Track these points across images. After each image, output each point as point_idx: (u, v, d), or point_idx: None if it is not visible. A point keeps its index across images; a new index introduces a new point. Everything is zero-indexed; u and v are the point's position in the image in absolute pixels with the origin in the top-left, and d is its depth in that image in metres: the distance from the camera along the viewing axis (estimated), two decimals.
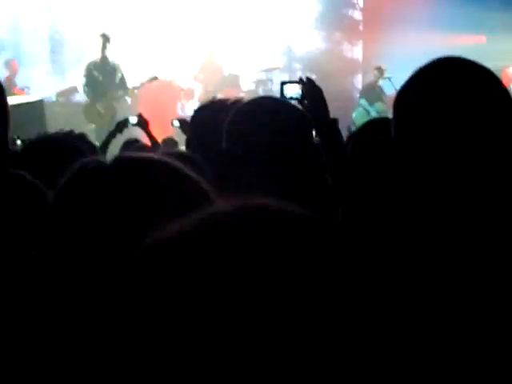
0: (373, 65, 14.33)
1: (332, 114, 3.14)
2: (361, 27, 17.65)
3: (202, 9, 15.34)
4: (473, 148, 1.86)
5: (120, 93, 12.07)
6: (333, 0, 16.69)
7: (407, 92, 2.12)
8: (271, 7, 16.51)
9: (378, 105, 13.23)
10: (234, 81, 14.98)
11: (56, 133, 3.61)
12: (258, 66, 15.56)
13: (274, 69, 14.95)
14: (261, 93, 14.97)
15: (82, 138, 3.71)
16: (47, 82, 14.10)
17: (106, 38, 11.96)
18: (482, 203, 1.85)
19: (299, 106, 3.10)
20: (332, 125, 3.03)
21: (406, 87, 2.13)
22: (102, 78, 11.91)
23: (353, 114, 13.47)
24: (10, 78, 13.27)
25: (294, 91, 3.34)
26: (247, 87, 15.27)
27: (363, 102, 13.46)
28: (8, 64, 13.41)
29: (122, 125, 6.50)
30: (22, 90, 13.15)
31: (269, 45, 16.09)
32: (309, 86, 3.09)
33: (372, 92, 13.48)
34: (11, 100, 10.42)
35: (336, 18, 16.80)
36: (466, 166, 1.86)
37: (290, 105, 2.81)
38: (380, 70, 13.51)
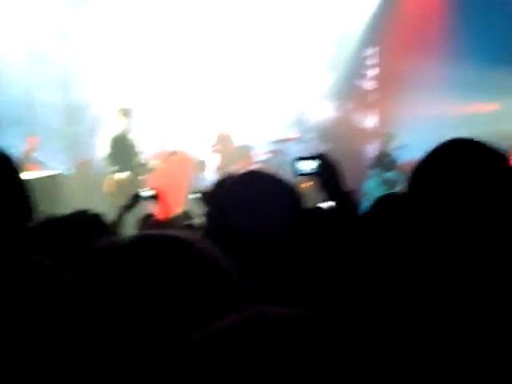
0: (385, 133, 14.36)
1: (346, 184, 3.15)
2: (374, 96, 17.79)
3: (213, 79, 15.55)
4: (475, 221, 2.16)
5: (141, 167, 12.11)
6: (345, 70, 16.84)
7: (423, 171, 2.37)
8: (284, 77, 16.75)
9: (390, 173, 13.19)
10: (246, 152, 15.01)
11: (71, 214, 3.60)
12: (270, 136, 15.66)
13: (288, 140, 14.99)
14: (274, 163, 15.03)
15: (96, 219, 3.72)
16: (63, 155, 14.18)
17: (126, 112, 12.02)
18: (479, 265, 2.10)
19: (315, 182, 3.11)
20: (347, 199, 3.03)
21: (421, 167, 2.38)
22: (124, 151, 11.92)
23: (366, 183, 13.43)
24: (29, 153, 13.38)
25: (308, 167, 3.35)
26: (260, 158, 15.30)
27: (374, 171, 13.42)
28: (28, 140, 13.49)
29: (137, 198, 6.50)
30: (38, 164, 13.24)
31: (282, 115, 16.22)
32: (323, 161, 3.10)
33: (384, 160, 13.45)
34: (28, 175, 10.58)
35: (349, 87, 16.95)
36: (468, 234, 2.15)
37: (279, 181, 2.74)
38: (390, 137, 13.51)
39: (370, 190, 13.03)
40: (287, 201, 2.53)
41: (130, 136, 12.15)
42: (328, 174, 3.08)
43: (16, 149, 13.05)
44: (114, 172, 11.91)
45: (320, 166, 3.11)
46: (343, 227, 3.02)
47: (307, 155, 3.30)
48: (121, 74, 15.34)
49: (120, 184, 11.66)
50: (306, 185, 13.10)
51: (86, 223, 3.32)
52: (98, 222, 3.90)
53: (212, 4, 15.58)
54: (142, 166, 12.16)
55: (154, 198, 6.44)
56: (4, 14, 13.52)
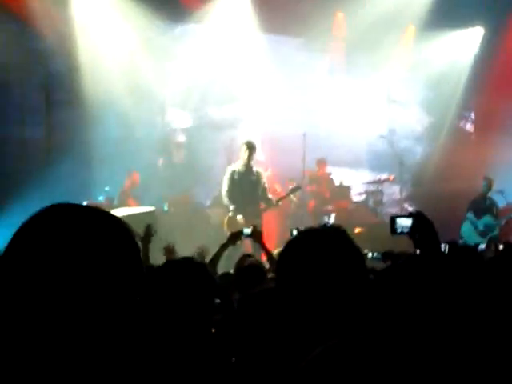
0: (482, 176, 14.08)
1: (442, 224, 3.09)
2: (472, 138, 17.59)
3: (311, 118, 15.63)
4: None
5: (263, 205, 11.62)
6: (443, 112, 16.71)
7: None
8: (381, 119, 16.76)
9: (486, 218, 12.88)
10: (344, 192, 14.97)
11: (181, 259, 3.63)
12: (367, 177, 15.59)
13: (385, 180, 14.88)
14: (370, 204, 14.93)
15: (202, 268, 3.74)
16: (159, 192, 14.41)
17: (252, 147, 11.59)
18: None
19: (410, 239, 3.06)
20: (443, 256, 2.97)
21: None
22: (246, 187, 11.44)
23: (462, 227, 13.17)
24: (129, 189, 13.66)
25: (405, 224, 3.31)
26: (357, 199, 15.24)
27: (470, 215, 13.13)
28: (130, 175, 13.77)
29: (236, 236, 6.50)
30: (137, 199, 13.50)
31: (379, 157, 16.15)
32: (419, 220, 3.05)
33: (481, 204, 13.15)
34: (128, 210, 10.83)
35: (446, 129, 16.79)
36: None
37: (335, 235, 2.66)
38: (489, 182, 13.21)
39: (465, 233, 12.78)
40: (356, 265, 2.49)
41: (255, 171, 11.65)
42: (424, 232, 3.03)
43: (114, 184, 13.45)
44: (236, 211, 11.38)
45: (416, 224, 3.07)
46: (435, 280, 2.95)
47: (404, 213, 3.27)
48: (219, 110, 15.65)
49: (241, 224, 10.95)
50: (359, 230, 13.01)
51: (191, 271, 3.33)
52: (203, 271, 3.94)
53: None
54: (268, 200, 11.61)
55: (254, 236, 6.45)
56: (107, 50, 13.91)
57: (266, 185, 11.76)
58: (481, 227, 12.77)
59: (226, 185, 11.49)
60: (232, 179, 11.43)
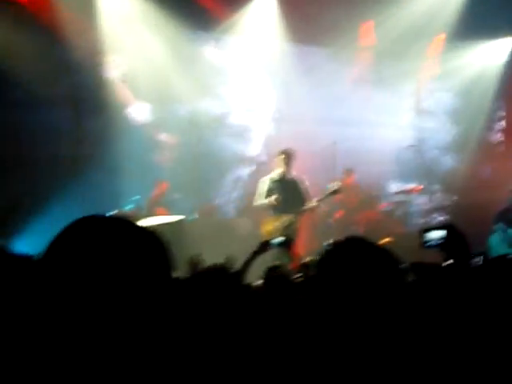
0: (509, 187, 13.96)
1: (470, 236, 3.06)
2: (500, 148, 17.48)
3: (339, 129, 15.60)
4: None
5: (300, 208, 11.45)
6: (472, 122, 16.64)
7: None
8: (409, 128, 16.75)
9: None
10: (372, 202, 14.91)
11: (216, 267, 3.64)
12: (396, 187, 15.52)
13: (413, 190, 14.81)
14: (399, 214, 14.86)
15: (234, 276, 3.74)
16: (188, 201, 14.44)
17: (291, 155, 11.52)
18: None
19: (441, 252, 3.03)
20: (474, 267, 2.95)
21: None
22: (284, 195, 11.31)
23: (490, 238, 13.04)
24: (157, 198, 13.73)
25: (436, 236, 3.27)
26: (385, 209, 15.16)
27: (500, 226, 12.97)
28: (159, 184, 13.84)
29: (267, 245, 6.46)
30: (166, 208, 13.54)
31: (408, 167, 16.09)
32: (451, 232, 3.02)
33: (508, 216, 12.99)
34: (156, 220, 10.85)
35: (474, 139, 16.70)
36: None
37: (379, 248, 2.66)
38: None
39: (494, 245, 12.64)
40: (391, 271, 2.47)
41: (289, 176, 11.55)
42: (456, 244, 3.00)
43: (143, 193, 13.51)
44: (276, 217, 11.31)
45: (448, 237, 3.04)
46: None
47: (435, 225, 3.23)
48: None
49: (279, 229, 11.04)
50: (387, 240, 12.92)
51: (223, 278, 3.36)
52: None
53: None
54: (301, 207, 11.45)
55: (286, 245, 6.40)
56: (136, 61, 13.99)
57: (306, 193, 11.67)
58: (508, 239, 12.63)
59: (264, 193, 11.42)
60: (270, 187, 11.38)
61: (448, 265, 3.61)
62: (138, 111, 14.09)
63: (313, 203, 11.49)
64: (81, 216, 1.71)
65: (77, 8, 12.88)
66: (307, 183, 11.69)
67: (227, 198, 15.47)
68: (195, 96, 14.92)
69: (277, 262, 6.56)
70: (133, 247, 1.65)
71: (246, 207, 14.29)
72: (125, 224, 1.69)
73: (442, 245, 3.06)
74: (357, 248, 2.42)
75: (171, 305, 1.69)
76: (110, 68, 13.75)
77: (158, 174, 14.01)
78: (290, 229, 10.87)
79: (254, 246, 6.39)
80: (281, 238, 6.51)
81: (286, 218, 11.17)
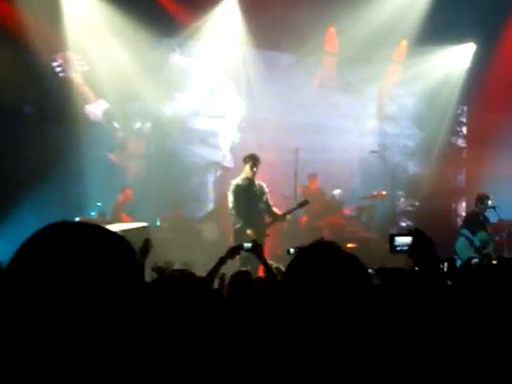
0: (474, 192, 14.08)
1: (435, 241, 3.08)
2: (464, 153, 17.67)
3: (303, 134, 15.64)
4: None
5: (268, 220, 11.33)
6: (436, 127, 16.79)
7: None
8: (373, 134, 16.87)
9: (481, 234, 12.84)
10: (336, 207, 14.97)
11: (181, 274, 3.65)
12: (360, 193, 15.59)
13: (377, 196, 14.89)
14: (363, 220, 14.94)
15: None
16: (152, 208, 14.41)
17: (256, 160, 11.25)
18: None
19: (409, 257, 3.06)
20: (442, 273, 2.97)
21: None
22: (251, 201, 11.17)
23: (456, 244, 13.14)
24: (122, 204, 13.68)
25: (404, 241, 3.31)
26: (349, 214, 15.23)
27: (465, 231, 13.06)
28: (123, 191, 13.82)
29: (235, 250, 6.44)
30: (129, 215, 13.50)
31: (371, 172, 16.19)
32: (419, 238, 3.04)
33: (476, 221, 13.08)
34: (121, 226, 10.77)
35: (440, 144, 16.86)
36: None
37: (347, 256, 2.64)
38: (485, 199, 13.12)
39: (460, 250, 12.75)
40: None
41: (257, 184, 11.37)
42: (424, 250, 3.02)
43: (106, 199, 13.46)
44: (245, 225, 10.97)
45: (416, 242, 3.07)
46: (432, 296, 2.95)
47: (403, 231, 3.27)
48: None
49: (250, 237, 10.26)
50: (352, 246, 13.00)
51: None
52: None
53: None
54: (274, 214, 11.37)
55: (255, 250, 6.39)
56: (99, 66, 13.92)
57: (269, 198, 11.58)
58: (477, 243, 12.72)
59: (231, 198, 11.19)
60: (237, 193, 11.15)
61: (413, 270, 3.63)
62: (101, 112, 14.03)
63: (280, 215, 11.43)
64: (46, 222, 1.70)
65: (41, 13, 12.81)
66: (268, 190, 11.65)
67: (193, 203, 15.44)
68: (159, 100, 14.90)
69: (245, 268, 6.55)
70: (103, 252, 1.64)
71: (212, 213, 14.31)
72: (94, 229, 1.68)
73: (410, 250, 3.08)
74: (324, 253, 2.42)
75: (141, 309, 1.70)
76: (73, 70, 13.66)
77: (123, 180, 13.97)
78: (260, 235, 10.78)
79: (219, 251, 6.37)
80: (250, 244, 6.49)
81: (254, 225, 11.04)
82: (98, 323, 1.58)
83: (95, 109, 13.96)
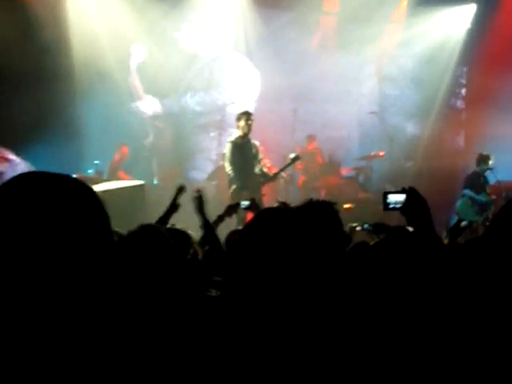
0: (472, 153, 14.05)
1: (433, 202, 3.07)
2: (463, 115, 17.61)
3: (301, 94, 15.60)
4: None
5: (262, 179, 11.11)
6: (435, 88, 16.71)
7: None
8: (372, 95, 16.81)
9: (482, 195, 12.83)
10: (334, 168, 14.94)
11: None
12: (358, 153, 15.57)
13: (374, 156, 14.86)
14: (361, 180, 14.92)
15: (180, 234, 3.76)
16: (149, 165, 14.42)
17: (251, 117, 11.03)
18: None
19: (401, 215, 3.06)
20: (434, 233, 2.96)
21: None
22: (247, 160, 11.00)
23: (457, 204, 13.14)
24: (119, 162, 13.68)
25: (397, 199, 3.30)
26: (347, 175, 15.20)
27: (468, 191, 13.01)
28: (119, 148, 13.81)
29: (233, 209, 6.42)
30: (127, 173, 13.50)
31: (370, 133, 16.15)
32: (412, 196, 3.03)
33: (477, 182, 13.04)
34: (117, 184, 10.77)
35: (439, 105, 16.80)
36: None
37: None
38: (487, 160, 13.07)
39: (462, 210, 12.74)
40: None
41: (252, 141, 11.16)
42: (417, 208, 3.01)
43: (104, 157, 13.46)
44: (242, 187, 10.72)
45: (409, 200, 3.06)
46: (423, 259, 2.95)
47: (396, 189, 3.26)
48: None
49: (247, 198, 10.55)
50: (349, 206, 12.99)
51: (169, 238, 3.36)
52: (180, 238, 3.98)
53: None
54: (265, 174, 11.16)
55: (252, 208, 6.38)
56: (97, 24, 13.83)
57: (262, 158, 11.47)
58: (482, 200, 12.71)
59: (229, 158, 10.97)
60: (234, 151, 10.95)
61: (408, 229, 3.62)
62: (100, 75, 13.97)
63: (270, 175, 11.30)
64: None
65: None
66: (263, 148, 11.59)
67: (191, 162, 15.45)
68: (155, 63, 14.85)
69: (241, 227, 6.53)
70: (69, 203, 1.64)
71: (214, 172, 14.28)
72: (64, 180, 1.69)
73: (402, 208, 3.06)
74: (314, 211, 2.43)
75: (110, 261, 1.70)
76: (71, 29, 13.55)
77: (120, 138, 13.93)
78: (255, 194, 10.68)
79: (219, 211, 6.35)
80: (248, 202, 6.49)
81: (250, 184, 10.92)
82: (61, 272, 1.58)
83: (93, 68, 13.86)
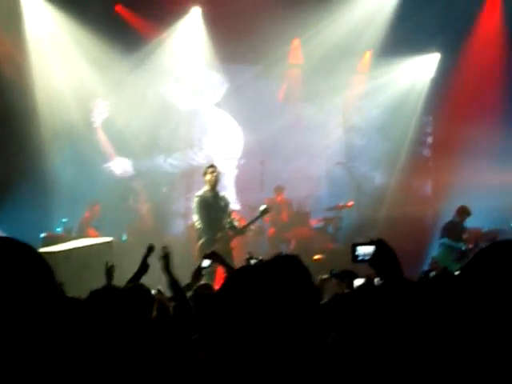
0: (441, 201, 14.16)
1: (404, 250, 3.07)
2: (430, 162, 17.74)
3: (268, 146, 15.67)
4: None
5: (230, 232, 11.02)
6: (401, 137, 16.84)
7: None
8: (339, 145, 16.94)
9: (461, 243, 12.90)
10: (303, 219, 14.95)
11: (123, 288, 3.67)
12: (326, 204, 15.60)
13: (343, 207, 14.91)
14: (330, 231, 14.93)
15: (145, 293, 3.76)
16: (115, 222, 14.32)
17: (218, 171, 11.10)
18: None
19: (370, 267, 3.05)
20: (404, 282, 2.95)
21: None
22: (216, 213, 10.92)
23: (436, 254, 13.23)
24: (88, 220, 13.58)
25: (365, 251, 3.30)
26: (316, 225, 15.21)
27: (447, 240, 13.07)
28: (91, 206, 13.72)
29: (199, 273, 6.39)
30: (95, 231, 13.40)
31: (338, 183, 16.21)
32: (381, 248, 3.03)
33: (455, 231, 13.12)
34: (85, 241, 10.68)
35: (405, 154, 16.91)
36: None
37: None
38: (467, 212, 13.20)
39: (441, 258, 12.80)
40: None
41: (221, 195, 11.13)
42: (386, 259, 3.01)
43: (73, 215, 13.38)
44: (212, 240, 10.63)
45: (378, 252, 3.05)
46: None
47: (365, 240, 3.25)
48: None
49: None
50: (319, 257, 12.99)
51: (133, 296, 3.35)
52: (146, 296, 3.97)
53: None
54: (235, 228, 11.06)
55: (214, 260, 6.42)
56: (62, 80, 13.84)
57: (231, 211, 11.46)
58: (463, 247, 12.76)
59: (198, 212, 10.91)
60: (201, 205, 10.87)
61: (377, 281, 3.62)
62: (67, 132, 13.93)
63: (240, 229, 11.22)
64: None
65: (2, 27, 12.74)
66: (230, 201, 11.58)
67: (164, 219, 15.40)
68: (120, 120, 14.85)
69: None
70: (17, 269, 1.72)
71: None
72: (9, 244, 1.77)
73: (371, 260, 3.05)
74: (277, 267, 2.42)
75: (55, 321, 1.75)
76: (37, 86, 13.53)
77: (89, 195, 13.84)
78: (225, 248, 10.61)
79: (189, 267, 6.37)
80: (207, 260, 6.52)
81: (219, 238, 10.83)
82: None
83: (60, 125, 13.80)
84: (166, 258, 5.69)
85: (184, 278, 5.90)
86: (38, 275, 1.74)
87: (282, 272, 2.45)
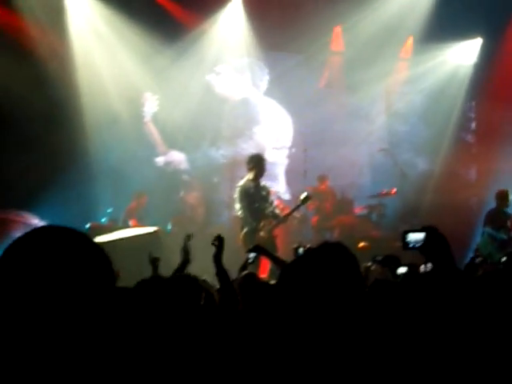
0: (484, 187, 13.98)
1: (449, 237, 3.04)
2: (474, 148, 17.57)
3: (311, 134, 15.63)
4: None
5: (273, 221, 11.07)
6: (444, 123, 16.70)
7: None
8: (384, 134, 16.85)
9: (502, 232, 12.69)
10: (346, 207, 14.92)
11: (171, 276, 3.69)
12: (369, 191, 15.52)
13: (387, 194, 14.81)
14: (374, 218, 14.87)
15: (193, 281, 3.77)
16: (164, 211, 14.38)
17: (262, 160, 11.14)
18: None
19: (421, 254, 3.02)
20: (455, 269, 2.94)
21: None
22: (259, 203, 10.99)
23: (478, 242, 13.03)
24: (134, 210, 13.63)
25: (417, 238, 3.25)
26: (360, 213, 15.15)
27: (488, 229, 12.83)
28: (138, 197, 13.82)
29: (245, 268, 6.43)
30: (140, 221, 13.47)
31: (381, 170, 16.11)
32: (432, 235, 2.99)
33: (497, 218, 12.89)
34: (132, 231, 10.80)
35: (448, 140, 16.77)
36: None
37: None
38: (506, 196, 12.95)
39: (482, 248, 12.59)
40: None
41: (263, 186, 11.16)
42: (437, 247, 2.98)
43: (118, 205, 13.47)
44: (256, 228, 10.78)
45: (428, 239, 3.02)
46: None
47: (415, 228, 3.21)
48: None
49: (263, 239, 10.54)
50: (364, 245, 12.91)
51: (182, 286, 3.37)
52: (195, 286, 3.98)
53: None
54: (277, 216, 11.13)
55: (259, 253, 6.48)
56: (105, 72, 13.95)
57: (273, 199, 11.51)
58: (503, 237, 12.55)
59: (238, 202, 10.97)
60: (243, 196, 10.92)
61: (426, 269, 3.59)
62: (112, 122, 14.04)
63: (282, 218, 11.23)
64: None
65: (46, 22, 12.86)
66: (273, 191, 11.60)
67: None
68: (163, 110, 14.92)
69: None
70: (76, 258, 1.74)
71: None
72: (73, 235, 1.80)
73: (422, 247, 3.04)
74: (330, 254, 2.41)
75: (112, 313, 1.78)
76: (81, 78, 13.66)
77: (134, 185, 13.91)
78: (268, 237, 10.69)
79: (232, 256, 6.41)
80: (253, 254, 6.58)
81: (262, 228, 10.90)
82: (63, 324, 1.68)
83: (104, 117, 13.92)
84: (218, 247, 5.75)
85: (229, 266, 5.93)
86: (98, 264, 1.76)
87: (332, 260, 2.46)
